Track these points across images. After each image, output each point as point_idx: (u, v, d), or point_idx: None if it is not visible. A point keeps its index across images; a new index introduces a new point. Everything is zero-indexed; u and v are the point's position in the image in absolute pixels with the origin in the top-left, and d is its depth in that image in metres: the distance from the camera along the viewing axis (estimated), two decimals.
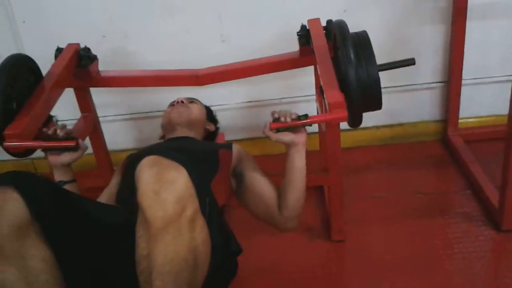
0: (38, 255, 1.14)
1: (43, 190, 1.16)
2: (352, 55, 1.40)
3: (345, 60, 1.41)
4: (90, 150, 2.12)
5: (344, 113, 1.42)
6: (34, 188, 1.14)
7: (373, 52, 1.44)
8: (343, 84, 1.44)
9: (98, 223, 1.25)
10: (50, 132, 1.53)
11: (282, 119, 1.44)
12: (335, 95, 1.43)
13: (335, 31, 1.53)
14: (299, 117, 1.47)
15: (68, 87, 1.89)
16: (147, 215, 1.06)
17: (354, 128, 2.41)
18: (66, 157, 1.53)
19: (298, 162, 1.52)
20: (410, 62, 1.53)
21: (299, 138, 1.48)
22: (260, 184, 1.60)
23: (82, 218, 1.23)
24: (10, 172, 1.18)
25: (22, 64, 1.69)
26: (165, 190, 1.06)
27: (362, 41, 1.46)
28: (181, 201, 1.07)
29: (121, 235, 1.19)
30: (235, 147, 1.71)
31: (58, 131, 1.52)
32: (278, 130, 1.47)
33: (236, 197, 1.67)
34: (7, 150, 1.54)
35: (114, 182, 1.68)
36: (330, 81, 1.50)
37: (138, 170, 1.10)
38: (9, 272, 1.11)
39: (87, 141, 2.05)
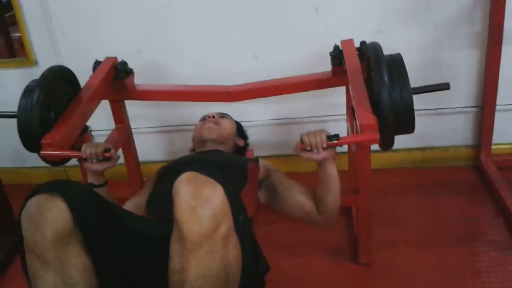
0: (78, 263, 1.16)
1: (88, 200, 1.19)
2: (386, 77, 1.40)
3: (379, 82, 1.40)
4: (121, 160, 2.17)
5: (376, 135, 1.41)
6: (79, 197, 1.17)
7: (407, 75, 1.43)
8: (376, 106, 1.44)
9: (136, 235, 1.28)
10: (86, 155, 1.56)
11: (315, 151, 1.47)
12: (367, 116, 1.43)
13: (369, 53, 1.53)
14: (330, 138, 1.47)
15: (104, 99, 1.94)
16: (183, 230, 1.08)
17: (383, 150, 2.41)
18: (99, 166, 1.58)
19: (331, 171, 1.55)
20: (444, 86, 1.52)
21: (329, 154, 1.50)
22: (296, 194, 1.64)
23: (121, 230, 1.25)
24: (56, 181, 1.22)
25: (61, 76, 1.74)
26: (202, 206, 1.08)
27: (396, 63, 1.46)
28: (216, 218, 1.09)
29: (156, 248, 1.20)
30: (262, 161, 1.74)
31: (94, 158, 1.57)
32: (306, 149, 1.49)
33: (269, 207, 1.69)
34: (44, 158, 1.58)
35: (144, 192, 1.70)
36: (363, 102, 1.50)
37: (176, 185, 1.12)
38: (49, 278, 1.15)
39: (119, 151, 2.09)
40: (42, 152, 1.55)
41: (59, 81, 1.71)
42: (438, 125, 2.39)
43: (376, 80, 1.42)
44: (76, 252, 1.16)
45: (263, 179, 1.69)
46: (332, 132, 1.50)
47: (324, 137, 1.47)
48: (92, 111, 1.80)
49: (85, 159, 1.57)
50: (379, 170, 2.35)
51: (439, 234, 1.99)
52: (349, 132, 1.95)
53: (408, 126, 1.45)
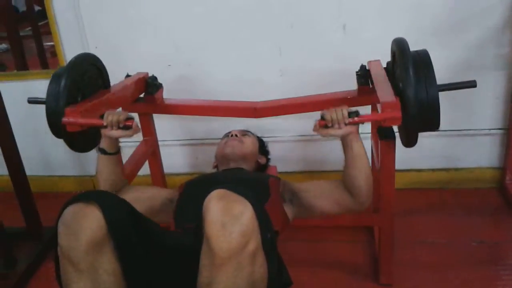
0: (109, 269, 1.21)
1: (122, 210, 1.24)
2: (411, 72, 1.37)
3: (404, 77, 1.38)
4: (147, 171, 2.22)
5: (398, 113, 1.38)
6: (115, 207, 1.23)
7: (433, 71, 1.41)
8: (401, 102, 1.41)
9: (166, 248, 1.32)
10: (107, 121, 1.55)
11: (336, 126, 1.46)
12: (388, 96, 1.42)
13: (394, 48, 1.51)
14: (350, 114, 1.46)
15: (134, 111, 1.98)
16: (213, 245, 1.10)
17: (408, 170, 2.40)
18: (117, 133, 1.57)
19: (358, 149, 1.51)
20: (471, 84, 1.49)
21: (351, 128, 1.48)
22: (321, 189, 1.63)
23: (152, 241, 1.29)
24: (93, 191, 1.28)
25: (97, 66, 1.78)
26: (232, 223, 1.11)
27: (422, 59, 1.43)
28: (246, 235, 1.12)
29: (184, 261, 1.24)
30: (282, 179, 1.74)
31: (115, 125, 1.56)
32: (327, 126, 1.48)
33: (301, 216, 1.67)
34: (65, 128, 1.56)
35: (164, 195, 1.72)
36: (385, 87, 1.50)
37: (207, 202, 1.15)
38: (83, 284, 1.19)
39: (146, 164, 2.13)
40: (64, 119, 1.54)
41: (92, 69, 1.73)
42: (464, 146, 2.38)
43: (401, 74, 1.40)
44: (108, 259, 1.20)
45: (284, 191, 1.68)
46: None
47: (345, 112, 1.45)
48: (117, 105, 1.83)
49: (105, 126, 1.57)
50: (403, 190, 2.34)
51: (461, 256, 1.97)
52: (374, 152, 1.96)
53: (433, 123, 1.43)
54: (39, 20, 2.74)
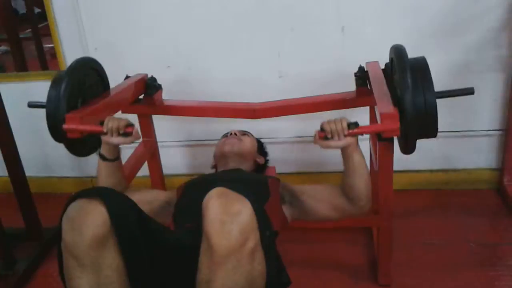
0: (112, 264, 1.22)
1: (126, 207, 1.26)
2: (409, 79, 1.38)
3: (402, 86, 1.38)
4: (146, 173, 2.22)
5: (396, 124, 1.39)
6: (118, 204, 1.24)
7: (431, 78, 1.42)
8: (399, 109, 1.42)
9: (167, 245, 1.34)
10: (107, 128, 1.56)
11: (336, 137, 1.47)
12: (387, 106, 1.43)
13: (393, 55, 1.52)
14: (349, 125, 1.47)
15: (133, 113, 1.99)
16: (212, 243, 1.12)
17: (406, 171, 2.41)
18: (117, 139, 1.57)
19: (358, 158, 1.54)
20: (468, 91, 1.50)
21: (351, 139, 1.50)
22: (320, 194, 1.65)
23: (154, 239, 1.31)
24: (97, 187, 1.31)
25: (97, 70, 1.79)
26: (231, 221, 1.12)
27: (420, 66, 1.44)
28: (244, 233, 1.13)
29: (185, 259, 1.25)
30: (281, 180, 1.76)
31: (114, 132, 1.56)
32: (327, 137, 1.49)
33: (300, 218, 1.69)
34: (65, 133, 1.56)
35: (163, 196, 1.74)
36: (384, 97, 1.50)
37: (206, 200, 1.17)
38: (86, 279, 1.20)
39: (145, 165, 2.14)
40: (64, 125, 1.55)
41: (86, 72, 1.74)
42: (462, 148, 2.39)
43: (400, 83, 1.41)
44: (111, 254, 1.22)
45: (283, 192, 1.70)
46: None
47: (345, 124, 1.47)
48: (117, 109, 1.84)
49: (105, 133, 1.57)
50: (401, 191, 2.35)
51: (460, 257, 1.98)
52: (373, 155, 1.96)
53: (431, 131, 1.44)
54: (39, 22, 2.75)
